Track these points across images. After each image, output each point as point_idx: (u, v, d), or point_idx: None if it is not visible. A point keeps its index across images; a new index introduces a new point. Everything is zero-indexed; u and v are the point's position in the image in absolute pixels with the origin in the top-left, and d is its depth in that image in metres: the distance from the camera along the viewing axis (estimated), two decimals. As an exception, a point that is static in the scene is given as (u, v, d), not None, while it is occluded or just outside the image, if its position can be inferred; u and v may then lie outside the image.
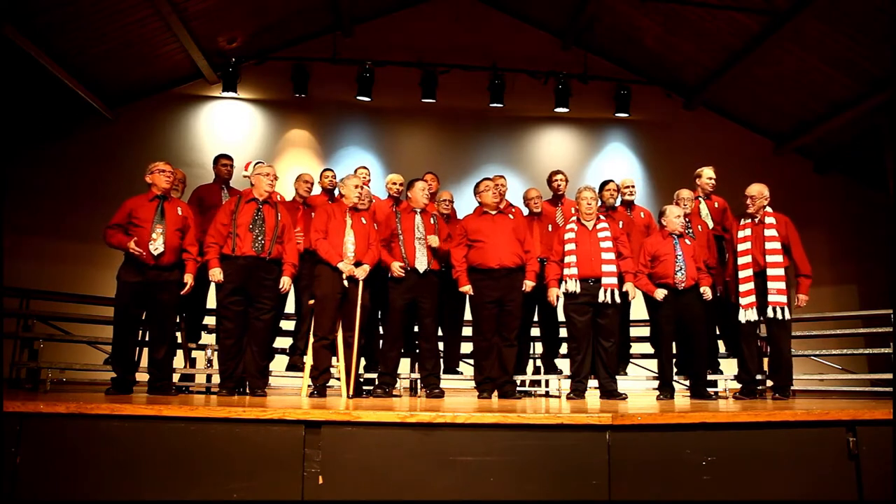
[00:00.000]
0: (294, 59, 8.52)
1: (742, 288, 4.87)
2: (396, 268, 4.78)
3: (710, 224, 5.55)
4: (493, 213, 4.91)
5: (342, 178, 5.04)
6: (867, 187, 8.81)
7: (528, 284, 4.77)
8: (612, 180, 5.69)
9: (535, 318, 5.60)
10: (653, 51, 8.66)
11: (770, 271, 4.82)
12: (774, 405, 3.82)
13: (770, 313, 4.77)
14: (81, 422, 2.82)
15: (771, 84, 8.18)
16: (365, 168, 5.74)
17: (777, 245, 4.85)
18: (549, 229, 5.46)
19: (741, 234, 4.98)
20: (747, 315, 4.84)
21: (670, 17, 7.83)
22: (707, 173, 5.69)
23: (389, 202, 5.51)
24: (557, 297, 4.91)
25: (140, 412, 2.84)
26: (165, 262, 4.40)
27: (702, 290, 4.87)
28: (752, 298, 4.83)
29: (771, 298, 4.78)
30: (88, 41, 6.98)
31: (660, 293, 4.83)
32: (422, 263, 4.81)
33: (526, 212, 5.63)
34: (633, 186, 5.79)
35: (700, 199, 5.66)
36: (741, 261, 4.92)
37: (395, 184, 5.59)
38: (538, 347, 5.85)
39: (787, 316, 4.78)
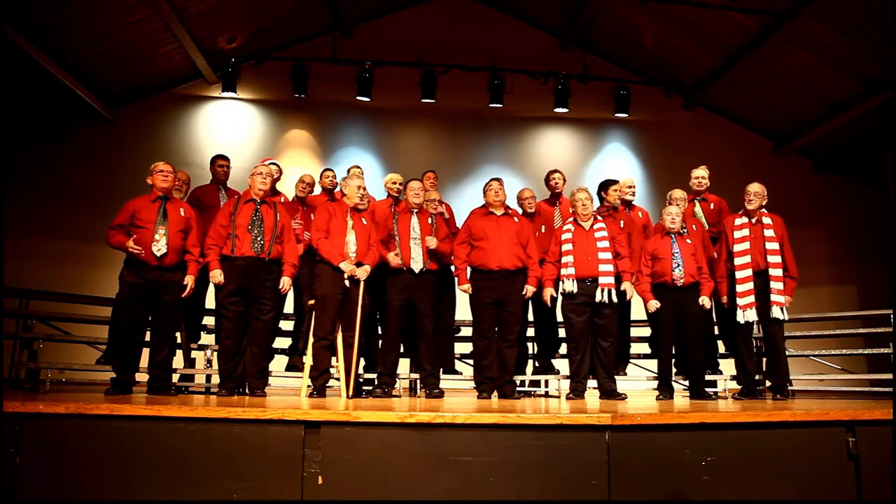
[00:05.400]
0: (293, 59, 8.52)
1: (740, 288, 4.86)
2: (392, 256, 4.78)
3: (705, 224, 5.55)
4: (499, 213, 4.91)
5: (344, 178, 5.03)
6: (866, 188, 8.82)
7: (529, 290, 4.77)
8: (616, 181, 5.68)
9: (531, 319, 5.60)
10: (652, 51, 8.66)
11: (772, 271, 4.83)
12: (774, 405, 3.82)
13: (774, 313, 4.77)
14: (81, 422, 2.82)
15: (770, 84, 8.19)
16: (358, 167, 5.73)
17: (776, 245, 4.86)
18: (543, 230, 5.45)
19: (738, 233, 4.96)
20: (746, 316, 4.83)
21: (670, 17, 7.83)
22: (695, 173, 5.69)
23: (388, 202, 5.50)
24: (552, 297, 4.90)
25: (139, 412, 2.84)
26: (168, 263, 4.40)
27: (700, 300, 4.86)
28: (752, 299, 4.82)
29: (774, 298, 4.78)
30: (88, 41, 6.98)
31: (653, 305, 4.84)
32: (417, 263, 4.81)
33: (519, 212, 5.62)
34: (633, 187, 5.79)
35: (694, 200, 5.65)
36: (740, 261, 4.90)
37: (394, 183, 5.58)
38: (537, 348, 5.85)
39: (785, 316, 4.81)
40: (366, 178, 5.60)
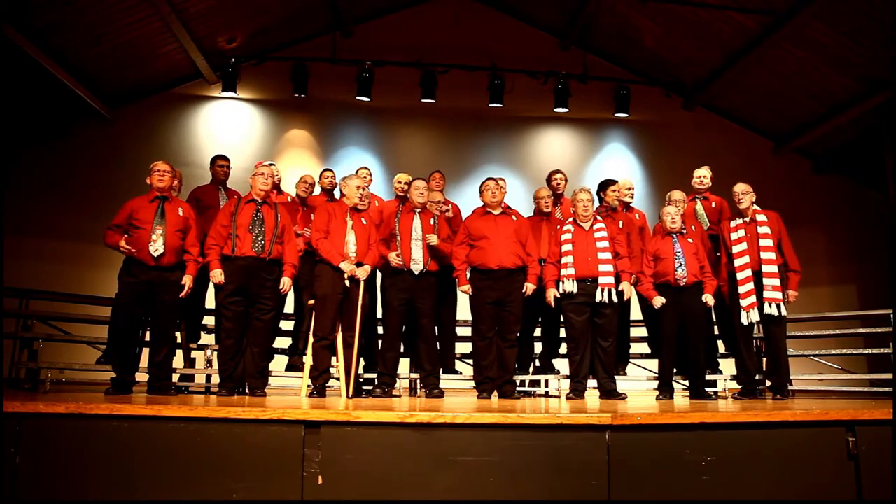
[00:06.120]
0: (294, 59, 8.52)
1: (742, 289, 4.85)
2: (393, 257, 4.77)
3: (706, 224, 5.55)
4: (496, 213, 4.91)
5: (343, 177, 5.04)
6: (866, 188, 8.82)
7: (529, 287, 4.76)
8: (615, 181, 5.68)
9: (540, 319, 5.59)
10: (652, 51, 8.66)
11: (765, 268, 4.82)
12: (774, 405, 3.82)
13: (767, 309, 4.76)
14: (81, 422, 2.82)
15: (770, 84, 8.18)
16: (366, 168, 5.74)
17: (770, 242, 4.87)
18: (558, 229, 5.45)
19: (735, 235, 4.97)
20: (750, 316, 4.82)
21: (670, 17, 7.83)
22: (697, 173, 5.69)
23: (396, 202, 5.50)
24: (555, 297, 4.91)
25: (139, 412, 2.85)
26: (166, 263, 4.40)
27: (704, 297, 4.86)
28: (754, 299, 4.82)
29: (767, 295, 4.78)
30: (88, 41, 6.98)
31: (658, 301, 4.83)
32: (417, 265, 4.80)
33: (531, 212, 5.62)
34: (632, 188, 5.79)
35: (696, 199, 5.65)
36: (739, 262, 4.91)
37: (400, 182, 5.58)
38: (539, 347, 5.84)
39: (784, 312, 4.79)
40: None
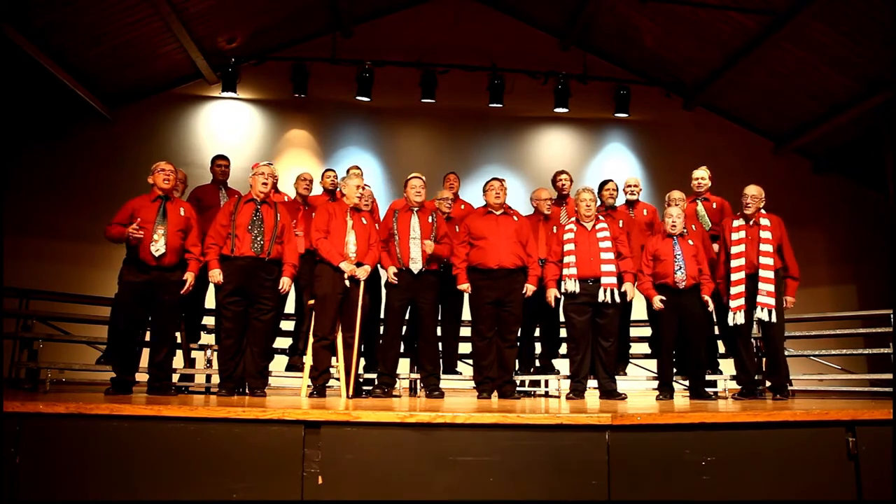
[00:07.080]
0: (294, 59, 8.52)
1: (733, 290, 4.87)
2: (391, 273, 4.78)
3: (708, 224, 5.54)
4: (498, 213, 4.90)
5: (343, 177, 5.04)
6: (866, 188, 8.82)
7: (529, 289, 4.76)
8: (611, 180, 5.70)
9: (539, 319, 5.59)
10: (652, 51, 8.66)
11: (762, 272, 4.81)
12: (774, 405, 3.82)
13: (758, 314, 4.76)
14: (81, 422, 2.82)
15: (770, 84, 8.18)
16: (357, 168, 5.72)
17: (769, 248, 4.85)
18: (554, 230, 5.46)
19: (735, 235, 4.96)
20: (736, 318, 4.83)
21: (670, 17, 7.84)
22: (696, 174, 5.68)
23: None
24: (556, 297, 4.91)
25: (139, 412, 2.85)
26: (167, 263, 4.40)
27: (704, 298, 4.86)
28: (742, 301, 4.82)
29: (760, 300, 4.77)
30: (88, 41, 6.98)
31: (657, 301, 4.83)
32: (416, 263, 4.80)
33: (531, 211, 5.62)
34: (637, 185, 5.78)
35: (697, 200, 5.65)
36: (735, 263, 4.91)
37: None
38: (539, 347, 5.84)
39: (774, 318, 4.77)
40: (366, 179, 5.60)
